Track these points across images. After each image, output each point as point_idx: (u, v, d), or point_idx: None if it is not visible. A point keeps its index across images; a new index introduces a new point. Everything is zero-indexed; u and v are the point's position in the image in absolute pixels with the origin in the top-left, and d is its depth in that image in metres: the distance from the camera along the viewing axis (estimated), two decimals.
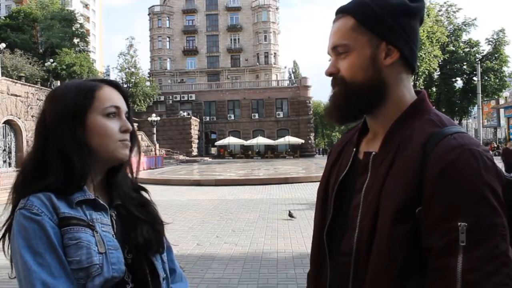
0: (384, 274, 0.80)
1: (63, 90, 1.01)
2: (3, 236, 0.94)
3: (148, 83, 46.56)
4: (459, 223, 0.73)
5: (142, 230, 1.01)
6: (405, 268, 0.79)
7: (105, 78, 1.12)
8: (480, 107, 36.50)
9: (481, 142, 31.74)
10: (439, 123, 0.85)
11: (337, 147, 1.06)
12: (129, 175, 1.11)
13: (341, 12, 0.91)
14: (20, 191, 0.94)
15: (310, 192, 12.96)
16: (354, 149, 0.97)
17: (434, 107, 0.94)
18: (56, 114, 0.97)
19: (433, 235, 0.76)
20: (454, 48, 43.02)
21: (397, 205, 0.79)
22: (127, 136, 1.01)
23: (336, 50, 0.91)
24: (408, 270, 0.79)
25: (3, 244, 0.94)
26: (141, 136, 34.30)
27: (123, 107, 1.03)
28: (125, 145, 1.01)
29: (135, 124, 1.11)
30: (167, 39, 57.35)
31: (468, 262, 0.72)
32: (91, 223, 0.92)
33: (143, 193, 1.13)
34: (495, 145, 26.17)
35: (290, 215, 8.41)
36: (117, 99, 1.02)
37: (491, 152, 0.80)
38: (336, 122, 0.96)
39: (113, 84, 1.05)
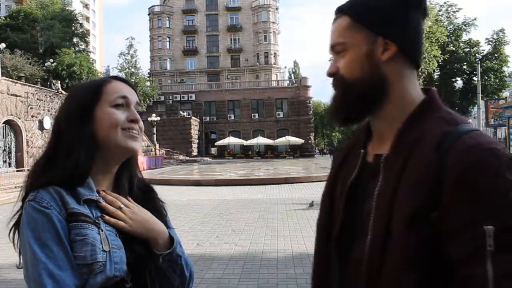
0: (399, 283, 0.76)
1: (75, 89, 1.06)
2: (14, 226, 0.96)
3: (148, 83, 46.55)
4: (484, 227, 0.68)
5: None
6: (422, 277, 0.75)
7: (116, 76, 1.13)
8: (480, 107, 36.48)
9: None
10: (452, 121, 0.81)
11: (343, 150, 1.02)
12: (138, 174, 1.12)
13: (338, 12, 0.91)
14: (31, 184, 0.96)
15: (310, 192, 12.96)
16: (362, 151, 0.93)
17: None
18: (66, 111, 1.01)
19: (457, 243, 0.72)
20: (454, 48, 42.98)
21: (411, 210, 0.75)
22: (134, 126, 1.02)
23: (335, 49, 0.90)
24: (425, 280, 0.75)
25: (14, 235, 0.95)
26: None
27: (132, 97, 1.04)
28: (132, 135, 1.01)
29: None
30: (167, 39, 57.39)
31: (499, 268, 0.67)
32: (96, 221, 0.94)
33: (152, 194, 1.13)
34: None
35: (311, 204, 9.61)
36: (125, 90, 1.03)
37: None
38: (337, 123, 0.93)
39: (122, 79, 1.07)
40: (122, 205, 0.99)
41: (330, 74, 0.91)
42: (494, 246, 0.67)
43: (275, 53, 56.74)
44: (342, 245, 0.90)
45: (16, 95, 23.22)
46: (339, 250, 0.90)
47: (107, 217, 0.97)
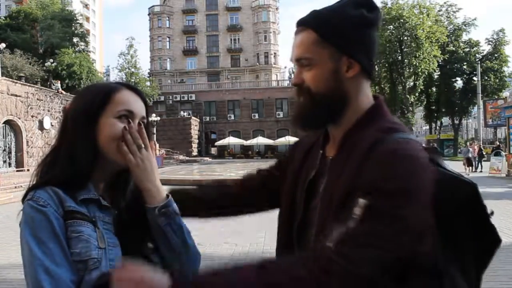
0: None
1: (85, 90, 1.07)
2: None
3: (148, 83, 46.56)
4: (360, 199, 0.78)
5: (140, 234, 1.02)
6: None
7: (128, 83, 1.11)
8: (480, 107, 36.46)
9: (481, 141, 31.79)
10: (388, 129, 0.89)
11: (304, 149, 1.09)
12: None
13: (302, 24, 0.95)
14: (32, 184, 0.98)
15: None
16: (321, 152, 1.02)
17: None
18: (74, 112, 1.02)
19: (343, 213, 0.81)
20: (454, 48, 43.03)
21: (340, 206, 0.84)
22: None
23: (300, 62, 0.96)
24: None
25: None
26: None
27: (138, 112, 1.03)
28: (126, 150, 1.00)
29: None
30: (167, 39, 57.37)
31: (351, 231, 0.76)
32: (93, 219, 0.96)
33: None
34: (497, 144, 26.32)
35: None
36: (133, 103, 1.02)
37: (427, 158, 0.86)
38: (301, 130, 1.02)
39: (133, 88, 1.06)
40: (143, 146, 1.00)
41: (296, 84, 0.98)
42: (359, 215, 0.77)
43: (275, 53, 56.72)
44: (300, 235, 0.99)
45: (16, 95, 23.22)
46: (299, 239, 0.99)
47: (126, 136, 0.97)
